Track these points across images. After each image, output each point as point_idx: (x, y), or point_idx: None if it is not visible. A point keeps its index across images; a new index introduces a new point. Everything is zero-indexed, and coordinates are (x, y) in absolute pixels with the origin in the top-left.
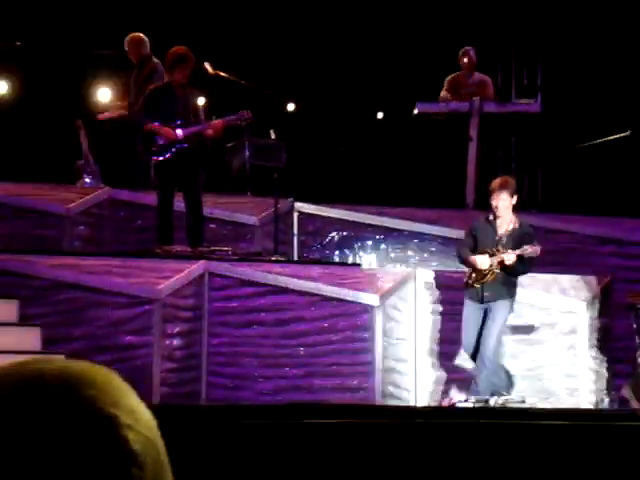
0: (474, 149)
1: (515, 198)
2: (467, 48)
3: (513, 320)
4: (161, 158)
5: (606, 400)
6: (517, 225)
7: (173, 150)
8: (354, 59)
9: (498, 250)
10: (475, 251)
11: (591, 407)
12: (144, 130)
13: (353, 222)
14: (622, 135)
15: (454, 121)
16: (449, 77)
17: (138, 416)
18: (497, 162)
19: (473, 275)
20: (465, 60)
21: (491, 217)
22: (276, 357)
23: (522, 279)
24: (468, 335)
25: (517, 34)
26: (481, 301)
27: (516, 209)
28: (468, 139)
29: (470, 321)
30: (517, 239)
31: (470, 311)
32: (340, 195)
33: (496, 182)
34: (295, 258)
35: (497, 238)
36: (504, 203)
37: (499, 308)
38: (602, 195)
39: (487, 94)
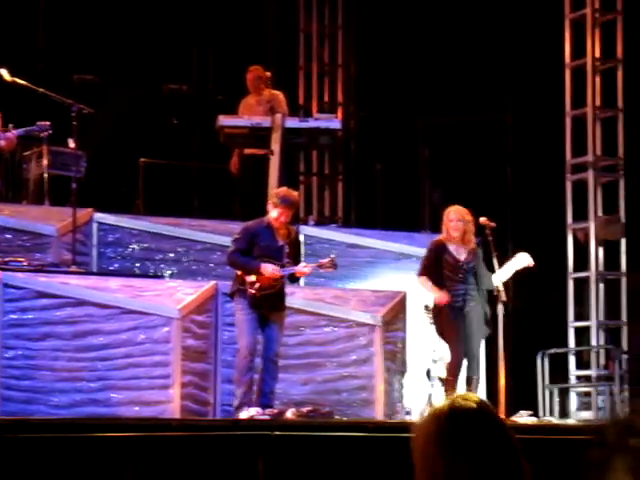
0: (276, 163)
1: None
2: (252, 67)
3: (313, 332)
4: None
5: (399, 412)
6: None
7: None
8: (151, 65)
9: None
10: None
11: (385, 419)
12: None
13: (154, 233)
14: (419, 153)
15: (256, 135)
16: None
17: None
18: (298, 176)
19: (258, 284)
20: (252, 78)
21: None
22: (72, 370)
23: (323, 293)
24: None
25: (318, 49)
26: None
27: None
28: (270, 153)
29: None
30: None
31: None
32: (145, 206)
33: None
34: (94, 270)
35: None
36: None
37: (282, 317)
38: (399, 210)
39: (281, 109)
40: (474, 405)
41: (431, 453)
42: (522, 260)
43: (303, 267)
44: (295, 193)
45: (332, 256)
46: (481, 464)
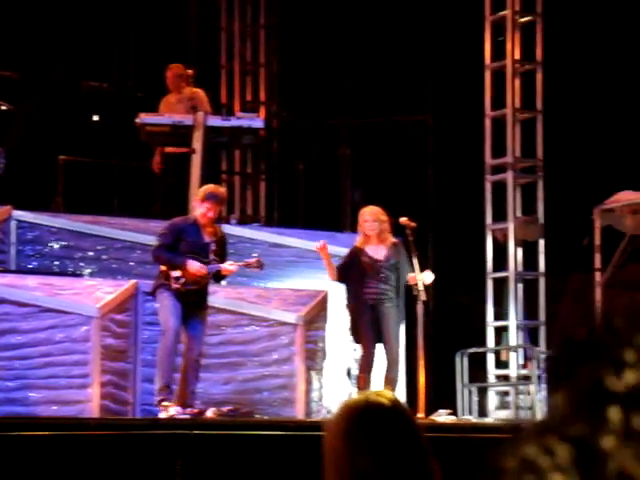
0: (198, 162)
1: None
2: (172, 65)
3: (235, 331)
4: None
5: (320, 411)
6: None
7: None
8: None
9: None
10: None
11: (305, 418)
12: None
13: (74, 232)
14: (341, 152)
15: (178, 133)
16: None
17: None
18: (220, 175)
19: (183, 280)
20: (172, 76)
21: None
22: None
23: (245, 292)
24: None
25: (241, 48)
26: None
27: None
28: (192, 152)
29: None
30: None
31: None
32: (64, 203)
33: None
34: (12, 267)
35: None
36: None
37: (204, 316)
38: (321, 209)
39: (203, 107)
40: (386, 402)
41: (337, 447)
42: (422, 277)
43: (229, 265)
44: (223, 189)
45: (257, 256)
46: (385, 459)
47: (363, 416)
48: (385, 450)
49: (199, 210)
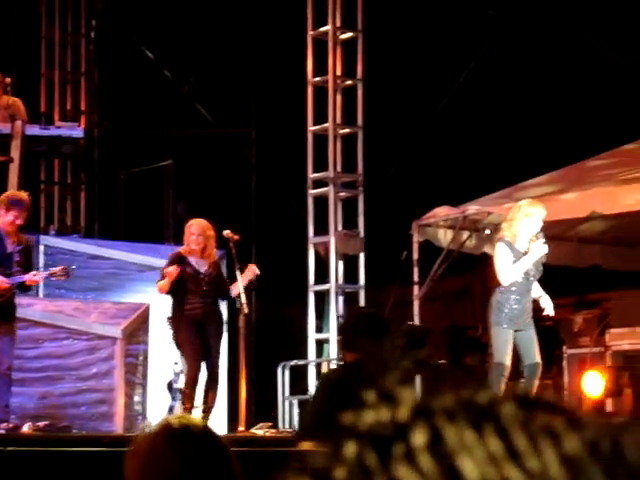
0: (15, 171)
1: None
2: None
3: (52, 344)
4: None
5: (140, 425)
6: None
7: None
8: None
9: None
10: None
11: (125, 433)
12: None
13: None
14: (163, 164)
15: None
16: None
17: None
18: (39, 185)
19: None
20: None
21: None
22: None
23: (63, 304)
24: None
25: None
26: None
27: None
28: (9, 160)
29: None
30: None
31: None
32: None
33: None
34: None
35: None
36: None
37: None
38: (143, 221)
39: (20, 116)
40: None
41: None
42: (249, 271)
43: (33, 276)
44: (24, 194)
45: (65, 266)
46: None
47: (172, 440)
48: (193, 476)
49: (4, 219)
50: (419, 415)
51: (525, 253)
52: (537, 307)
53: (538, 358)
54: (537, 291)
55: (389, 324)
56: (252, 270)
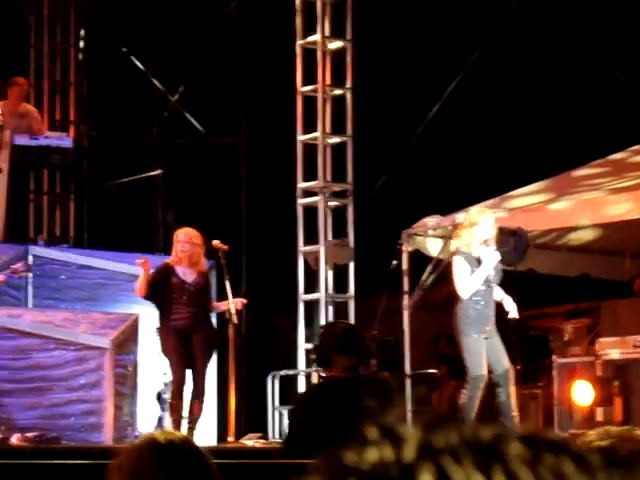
0: (4, 181)
1: None
2: (16, 78)
3: (41, 355)
4: None
5: (129, 436)
6: None
7: None
8: None
9: None
10: None
11: (114, 444)
12: None
13: None
14: (152, 174)
15: None
16: None
17: None
18: (29, 195)
19: None
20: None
21: None
22: None
23: (52, 315)
24: None
25: (50, 66)
26: None
27: None
28: None
29: None
30: None
31: None
32: None
33: None
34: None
35: None
36: None
37: None
38: (133, 231)
39: (36, 128)
40: (178, 440)
41: None
42: (238, 301)
43: None
44: None
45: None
46: None
47: (158, 455)
48: None
49: None
50: (425, 455)
51: (479, 260)
52: (501, 310)
53: (507, 363)
54: (499, 294)
55: (363, 339)
56: (240, 301)
